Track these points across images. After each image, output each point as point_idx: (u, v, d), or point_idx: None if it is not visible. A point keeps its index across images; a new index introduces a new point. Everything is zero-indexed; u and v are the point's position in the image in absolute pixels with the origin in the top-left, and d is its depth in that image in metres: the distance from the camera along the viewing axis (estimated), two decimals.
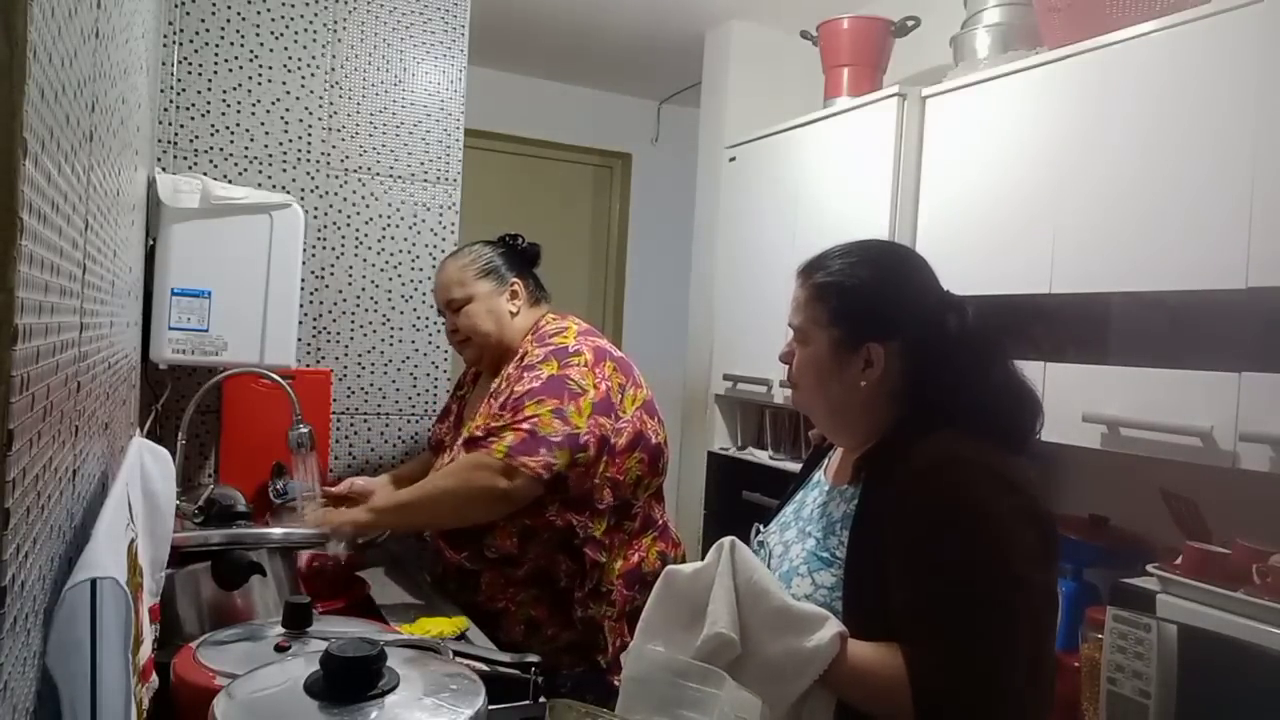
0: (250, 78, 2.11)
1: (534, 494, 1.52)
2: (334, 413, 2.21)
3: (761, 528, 1.23)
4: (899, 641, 0.94)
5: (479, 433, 1.58)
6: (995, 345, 1.08)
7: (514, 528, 1.59)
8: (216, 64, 2.07)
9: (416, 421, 2.32)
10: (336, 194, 2.22)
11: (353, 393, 2.25)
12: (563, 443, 1.52)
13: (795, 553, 1.10)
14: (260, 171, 2.13)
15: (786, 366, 1.16)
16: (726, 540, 0.94)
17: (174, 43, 2.03)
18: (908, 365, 1.07)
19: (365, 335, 2.26)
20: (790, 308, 1.15)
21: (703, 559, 1.00)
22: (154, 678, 0.91)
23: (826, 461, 1.23)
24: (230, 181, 2.07)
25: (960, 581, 0.93)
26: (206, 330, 1.78)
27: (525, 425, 1.52)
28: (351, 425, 2.25)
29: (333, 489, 1.84)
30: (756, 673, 0.91)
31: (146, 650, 0.89)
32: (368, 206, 2.25)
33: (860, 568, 1.00)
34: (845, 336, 1.07)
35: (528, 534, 1.60)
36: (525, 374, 1.61)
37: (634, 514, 1.67)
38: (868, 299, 1.08)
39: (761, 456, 2.71)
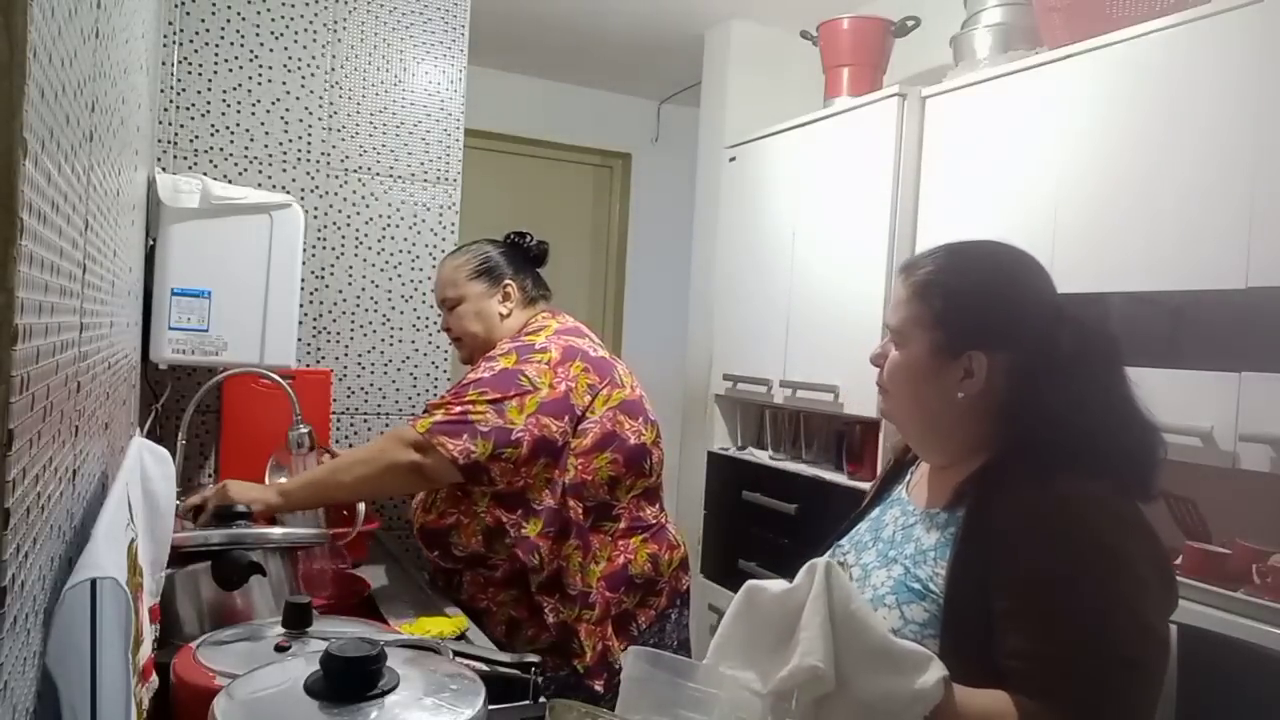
0: (250, 78, 2.11)
1: (449, 477, 1.52)
2: (334, 413, 2.21)
3: (840, 545, 1.14)
4: (1010, 691, 0.86)
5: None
6: (1114, 370, 0.98)
7: (477, 526, 1.57)
8: (216, 64, 2.08)
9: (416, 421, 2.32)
10: (336, 194, 2.22)
11: (353, 393, 2.25)
12: (489, 434, 1.51)
13: (879, 580, 1.01)
14: (260, 171, 2.13)
15: (878, 370, 1.08)
16: (820, 562, 0.84)
17: (174, 43, 2.03)
18: (1012, 382, 0.98)
19: (365, 335, 2.26)
20: (889, 306, 1.08)
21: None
22: (154, 678, 0.91)
23: (909, 477, 1.13)
24: (230, 181, 2.07)
25: (1088, 632, 0.85)
26: (206, 330, 1.78)
27: (458, 408, 1.53)
28: (351, 425, 2.25)
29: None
30: (848, 712, 0.82)
31: (146, 650, 0.89)
32: (368, 206, 2.25)
33: (962, 605, 0.92)
34: (947, 341, 0.99)
35: (491, 534, 1.57)
36: (483, 363, 1.63)
37: (615, 515, 1.64)
38: (975, 303, 1.00)
39: (761, 456, 2.71)
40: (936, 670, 0.82)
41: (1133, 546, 0.90)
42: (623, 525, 1.66)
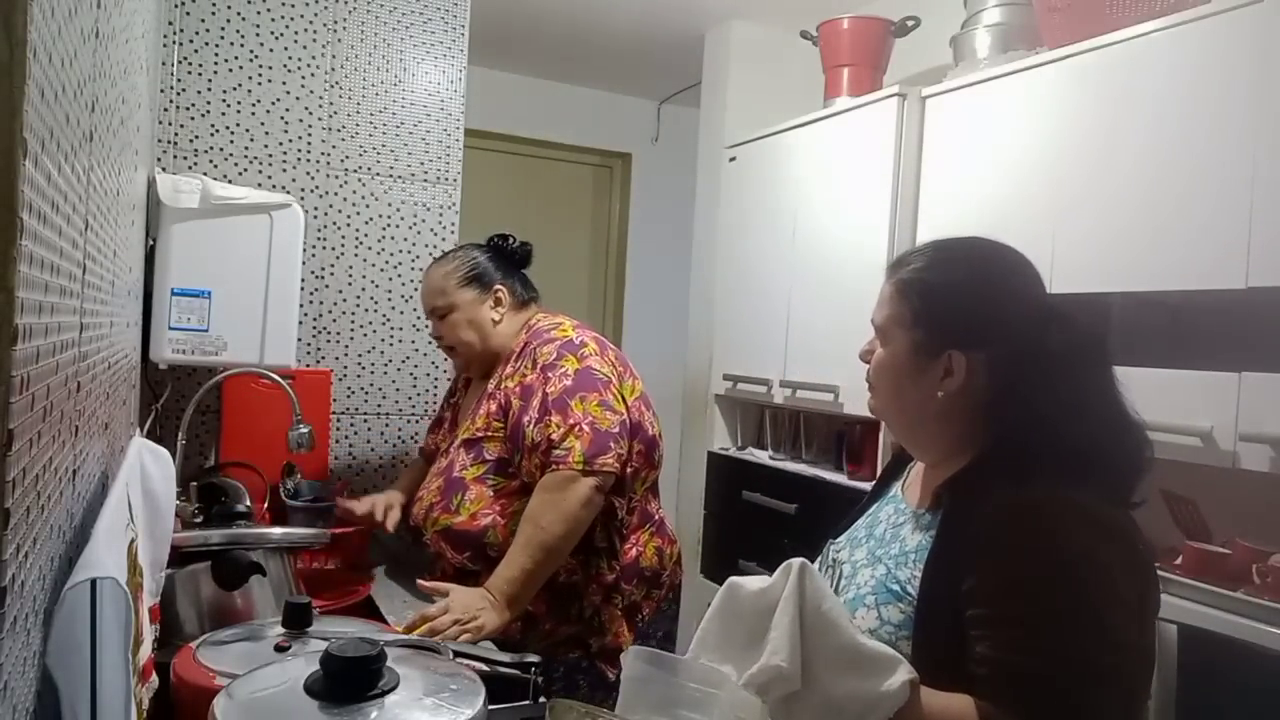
0: (250, 78, 2.11)
1: (611, 484, 1.54)
2: (334, 413, 2.21)
3: (834, 541, 1.14)
4: (977, 697, 0.84)
5: (540, 445, 1.53)
6: (1100, 368, 0.96)
7: (515, 525, 1.58)
8: (216, 64, 2.08)
9: (416, 421, 2.32)
10: (336, 194, 2.22)
11: (353, 393, 2.25)
12: (620, 433, 1.55)
13: (864, 579, 1.00)
14: (260, 171, 2.13)
15: (866, 366, 1.08)
16: (796, 562, 0.86)
17: (174, 43, 2.03)
18: (995, 381, 0.96)
19: (365, 335, 2.26)
20: (876, 304, 1.07)
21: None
22: (154, 678, 0.91)
23: (907, 474, 1.12)
24: (230, 181, 2.07)
25: (1054, 641, 0.83)
26: (206, 330, 1.78)
27: (585, 425, 1.52)
28: (351, 425, 2.25)
29: (356, 507, 1.82)
30: (815, 711, 0.84)
31: (146, 650, 0.89)
32: (368, 206, 2.25)
33: (934, 609, 0.91)
34: (926, 340, 0.98)
35: None
36: (549, 373, 1.59)
37: (631, 508, 1.67)
38: (955, 302, 0.98)
39: (761, 456, 2.71)
40: (903, 673, 0.82)
41: (1108, 555, 0.87)
42: (635, 519, 1.68)
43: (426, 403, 2.33)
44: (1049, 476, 0.90)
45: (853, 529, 1.13)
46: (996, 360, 0.96)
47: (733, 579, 0.92)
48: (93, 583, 0.63)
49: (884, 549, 1.02)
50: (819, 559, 1.14)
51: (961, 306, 0.98)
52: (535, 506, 1.52)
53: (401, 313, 2.30)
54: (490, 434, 1.66)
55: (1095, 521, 0.88)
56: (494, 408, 1.67)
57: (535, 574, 1.50)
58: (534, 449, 1.56)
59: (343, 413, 2.24)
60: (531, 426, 1.57)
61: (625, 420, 1.57)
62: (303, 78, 2.16)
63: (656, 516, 1.74)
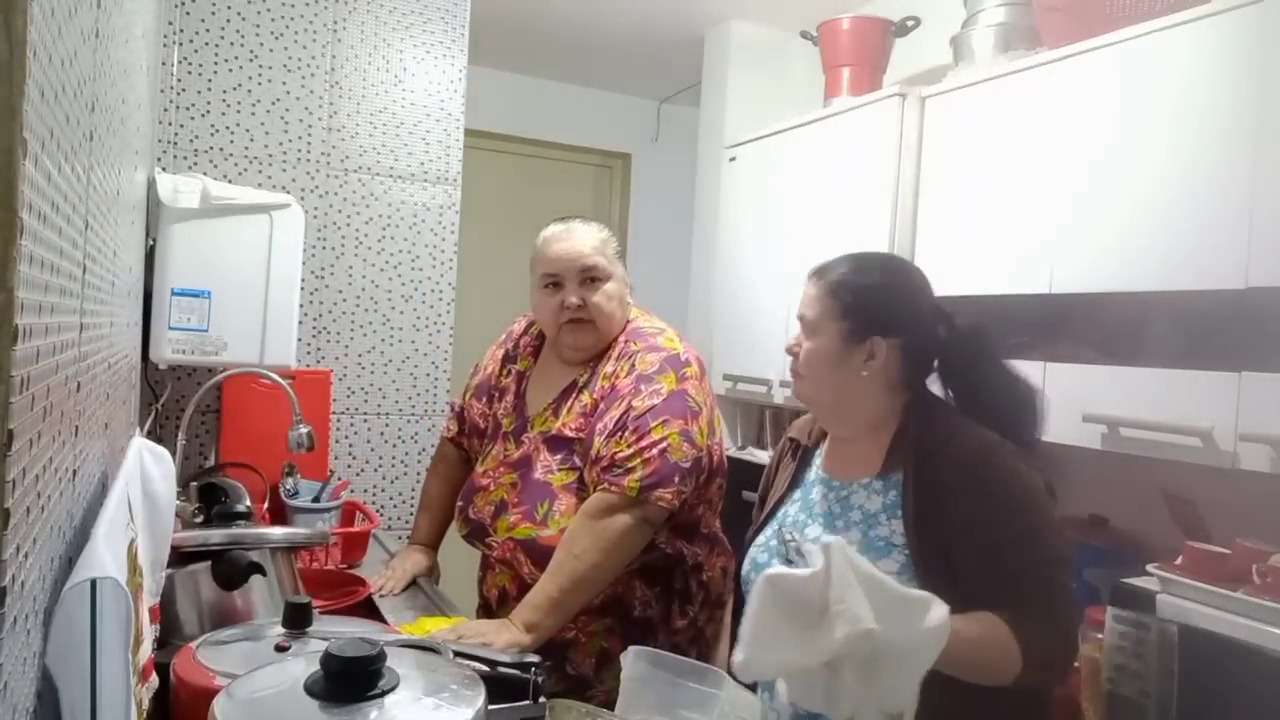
0: (250, 78, 2.11)
1: (664, 518, 1.46)
2: (334, 413, 2.21)
3: (765, 532, 1.25)
4: (990, 610, 1.03)
5: (603, 460, 1.44)
6: (987, 348, 1.22)
7: None
8: (216, 64, 2.08)
9: (416, 421, 2.32)
10: (336, 194, 2.22)
11: (353, 393, 2.25)
12: (691, 469, 1.45)
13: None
14: (260, 171, 2.13)
15: (792, 358, 1.26)
16: (834, 541, 0.95)
17: (174, 43, 2.03)
18: (905, 361, 1.20)
19: (365, 335, 2.26)
20: (801, 303, 1.27)
21: None
22: (154, 678, 0.91)
23: (816, 459, 1.30)
24: (230, 181, 2.07)
25: (1039, 550, 1.07)
26: (206, 330, 1.78)
27: (655, 451, 1.42)
28: (351, 425, 2.25)
29: (379, 583, 1.64)
30: (885, 661, 0.91)
31: (146, 650, 0.89)
32: (368, 206, 2.26)
33: (927, 550, 1.09)
34: (853, 329, 1.20)
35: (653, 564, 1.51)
36: (642, 385, 1.48)
37: (704, 541, 1.61)
38: (875, 298, 1.22)
39: (761, 456, 2.70)
40: (940, 607, 0.93)
41: (1034, 474, 1.12)
42: (707, 546, 1.62)
43: (426, 403, 2.33)
44: (975, 429, 1.15)
45: (780, 516, 1.27)
46: (905, 345, 1.20)
47: (769, 573, 0.98)
48: (93, 583, 0.63)
49: (842, 519, 1.18)
50: (747, 552, 1.27)
51: (879, 301, 1.22)
52: (572, 530, 1.42)
53: (401, 313, 2.30)
54: (583, 436, 1.53)
55: (1017, 453, 1.14)
56: (589, 405, 1.55)
57: (562, 603, 1.39)
58: (596, 461, 1.46)
59: (343, 413, 2.24)
60: (601, 437, 1.46)
61: (701, 459, 1.47)
62: (303, 78, 2.16)
63: (719, 535, 1.66)
